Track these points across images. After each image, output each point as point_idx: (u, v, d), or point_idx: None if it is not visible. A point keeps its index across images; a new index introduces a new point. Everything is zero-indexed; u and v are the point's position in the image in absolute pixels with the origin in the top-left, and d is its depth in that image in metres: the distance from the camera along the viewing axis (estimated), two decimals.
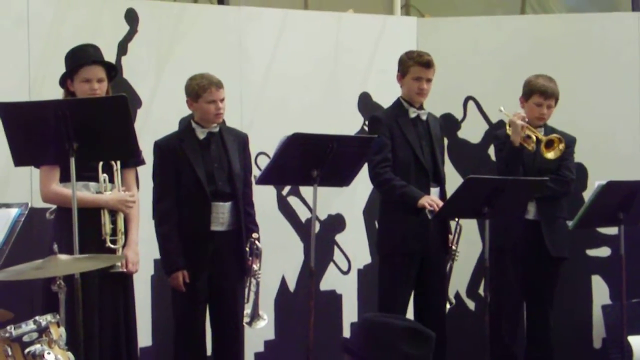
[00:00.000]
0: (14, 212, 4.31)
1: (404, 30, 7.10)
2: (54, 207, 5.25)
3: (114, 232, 5.17)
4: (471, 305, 7.13)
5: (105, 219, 5.14)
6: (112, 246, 5.12)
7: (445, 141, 6.40)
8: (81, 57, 5.15)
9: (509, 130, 6.09)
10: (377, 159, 5.81)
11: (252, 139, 5.86)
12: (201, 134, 5.61)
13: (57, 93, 5.23)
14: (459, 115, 7.15)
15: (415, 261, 5.85)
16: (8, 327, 3.68)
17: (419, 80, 5.89)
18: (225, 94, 5.59)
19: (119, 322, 5.17)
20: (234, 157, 5.65)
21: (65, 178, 5.04)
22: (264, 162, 6.28)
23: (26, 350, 3.65)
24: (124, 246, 5.18)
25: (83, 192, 5.03)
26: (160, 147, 5.60)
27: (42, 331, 3.71)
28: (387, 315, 2.84)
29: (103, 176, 5.16)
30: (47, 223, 5.30)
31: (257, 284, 5.60)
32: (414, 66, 5.89)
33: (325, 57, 6.83)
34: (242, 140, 5.75)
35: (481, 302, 6.49)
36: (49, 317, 3.77)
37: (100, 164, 5.13)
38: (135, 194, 5.30)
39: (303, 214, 6.68)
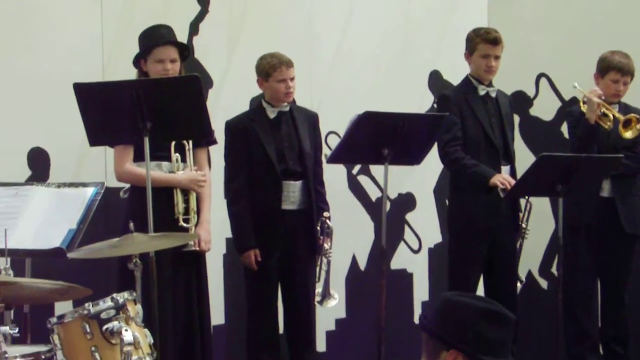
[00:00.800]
0: (90, 191, 4.36)
1: (474, 7, 7.04)
2: (127, 186, 5.31)
3: (186, 211, 5.21)
4: (544, 284, 7.07)
5: (178, 198, 5.18)
6: (184, 225, 5.16)
7: (517, 119, 6.34)
8: (154, 38, 5.18)
9: (583, 108, 6.01)
10: (447, 138, 5.78)
11: (322, 118, 5.86)
12: (272, 114, 5.63)
13: (130, 73, 5.27)
14: (531, 92, 7.08)
15: (486, 240, 5.82)
16: (86, 305, 3.72)
17: (487, 58, 5.84)
18: (295, 73, 5.60)
19: (192, 300, 5.21)
20: (304, 136, 5.66)
21: (138, 157, 5.09)
22: (333, 141, 6.28)
23: (104, 327, 3.68)
24: (196, 225, 5.22)
25: (156, 172, 5.07)
26: (231, 126, 5.63)
27: (120, 308, 3.74)
28: (467, 295, 2.80)
29: (175, 156, 5.20)
30: (121, 202, 5.36)
31: (328, 262, 5.61)
32: (481, 43, 5.84)
33: (395, 35, 6.80)
34: (312, 119, 5.75)
35: (554, 280, 6.42)
36: (125, 294, 3.81)
37: (173, 143, 5.17)
38: (207, 174, 5.33)
39: (373, 193, 6.67)
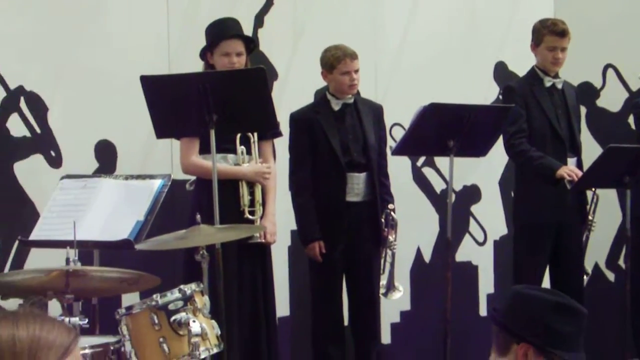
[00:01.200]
0: (157, 183, 4.39)
1: None
2: (193, 178, 5.34)
3: (251, 203, 5.23)
4: (611, 276, 6.99)
5: (244, 190, 5.20)
6: (250, 217, 5.18)
7: (584, 110, 6.26)
8: (221, 31, 5.20)
9: None
10: (512, 130, 5.73)
11: (387, 109, 5.85)
12: (336, 106, 5.62)
13: (196, 66, 5.30)
14: (597, 83, 6.99)
15: (552, 232, 5.77)
16: (154, 296, 3.75)
17: (554, 50, 5.78)
18: (359, 65, 5.59)
19: (257, 292, 5.23)
20: (369, 128, 5.65)
21: (204, 150, 5.12)
22: (398, 133, 6.25)
23: (172, 318, 3.71)
24: (261, 217, 5.24)
25: (222, 164, 5.10)
26: (296, 119, 5.64)
27: (187, 300, 3.77)
28: (537, 288, 2.77)
29: (241, 148, 5.22)
30: (186, 194, 5.39)
31: (393, 255, 5.60)
32: (548, 35, 5.78)
33: (461, 25, 6.75)
34: (377, 111, 5.74)
35: (621, 273, 6.35)
36: (193, 286, 3.83)
37: (238, 136, 5.20)
38: (272, 166, 5.35)
39: (438, 185, 6.64)
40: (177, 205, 5.56)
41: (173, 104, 4.73)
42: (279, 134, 5.44)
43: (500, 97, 6.50)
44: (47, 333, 2.07)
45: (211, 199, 4.66)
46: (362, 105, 5.68)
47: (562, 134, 5.80)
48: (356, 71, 5.57)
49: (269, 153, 5.41)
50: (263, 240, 5.23)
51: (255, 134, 5.25)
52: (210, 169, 4.76)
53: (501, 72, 6.84)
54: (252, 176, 5.21)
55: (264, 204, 5.27)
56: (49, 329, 2.08)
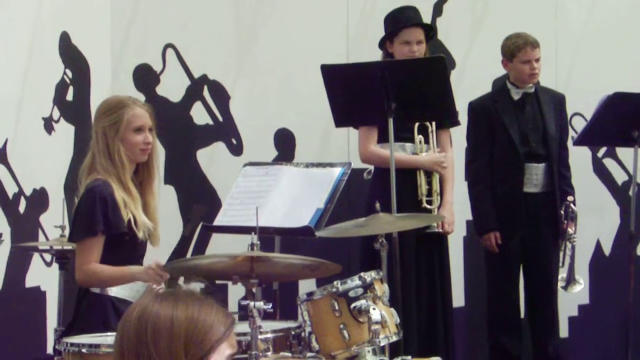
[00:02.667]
0: (337, 171, 4.41)
1: None
2: (371, 167, 5.36)
3: (429, 193, 5.21)
4: None
5: (421, 180, 5.19)
6: (427, 207, 5.16)
7: None
8: (402, 20, 5.20)
9: None
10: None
11: (568, 99, 5.72)
12: (516, 95, 5.55)
13: (374, 55, 5.31)
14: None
15: None
16: (335, 283, 3.77)
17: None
18: (540, 54, 5.49)
19: (434, 282, 5.22)
20: (549, 118, 5.55)
21: (382, 139, 5.13)
22: (578, 123, 6.11)
23: (352, 305, 3.72)
24: (439, 207, 5.21)
25: (400, 153, 5.10)
26: (475, 107, 5.59)
27: (367, 287, 3.77)
28: None
29: (419, 137, 5.20)
30: (362, 183, 5.42)
31: (573, 247, 5.48)
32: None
33: None
34: (558, 100, 5.63)
35: None
36: (373, 273, 3.83)
37: (416, 125, 5.19)
38: (449, 155, 5.32)
39: (619, 177, 6.45)
40: (352, 194, 5.60)
41: (352, 92, 4.76)
42: (456, 122, 5.40)
43: None
44: (205, 316, 2.09)
45: (389, 188, 4.67)
46: (543, 95, 5.58)
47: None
48: (537, 60, 5.48)
49: (447, 142, 5.38)
50: (441, 230, 5.20)
51: (434, 123, 5.23)
52: (386, 157, 4.77)
53: None
54: (430, 165, 5.19)
55: (441, 194, 5.24)
56: (207, 312, 2.10)
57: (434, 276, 5.21)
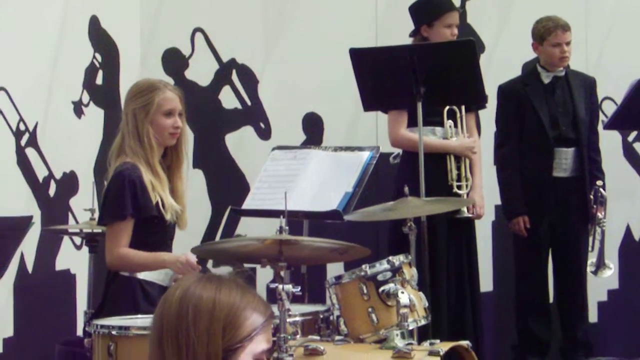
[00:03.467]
0: (366, 155, 4.40)
1: None
2: (397, 152, 5.35)
3: (459, 177, 5.19)
4: None
5: (451, 164, 5.17)
6: (458, 192, 5.14)
7: None
8: (445, 3, 5.18)
9: None
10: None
11: (598, 82, 5.68)
12: (546, 78, 5.52)
13: (402, 40, 5.28)
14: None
15: None
16: (363, 266, 3.76)
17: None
18: (571, 37, 5.45)
19: (462, 267, 5.21)
20: (580, 101, 5.52)
21: (412, 123, 5.11)
22: (609, 107, 6.07)
23: (380, 289, 3.71)
24: (468, 192, 5.19)
25: (430, 138, 5.09)
26: (504, 91, 5.56)
27: (396, 271, 3.76)
28: None
29: (449, 122, 5.18)
30: (388, 167, 5.40)
31: (602, 232, 5.45)
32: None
33: None
34: (589, 84, 5.60)
35: None
36: (401, 257, 3.82)
37: (446, 109, 5.17)
38: (476, 139, 5.30)
39: None
40: (380, 178, 5.59)
41: (381, 76, 4.75)
42: (483, 106, 5.38)
43: None
44: (246, 304, 2.09)
45: (418, 172, 4.66)
46: (574, 78, 5.55)
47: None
48: (567, 43, 5.45)
49: (474, 126, 5.37)
50: (471, 215, 5.18)
51: (462, 107, 5.21)
52: (416, 141, 4.75)
53: None
54: (460, 150, 5.17)
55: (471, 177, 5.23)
56: (248, 300, 2.10)
57: (462, 261, 5.20)
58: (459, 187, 5.16)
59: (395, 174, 5.29)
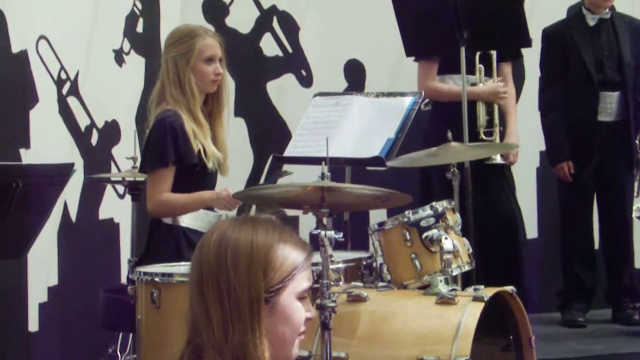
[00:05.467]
0: (408, 100, 4.35)
1: None
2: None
3: (489, 124, 5.12)
4: None
5: (480, 111, 5.09)
6: (485, 138, 5.07)
7: None
8: None
9: None
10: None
11: None
12: (591, 21, 5.43)
13: None
14: None
15: None
16: (406, 212, 3.74)
17: None
18: None
19: (505, 212, 5.17)
20: (625, 45, 5.44)
21: (442, 70, 5.06)
22: None
23: (424, 235, 3.69)
24: (501, 139, 5.12)
25: (455, 87, 5.02)
26: (549, 34, 5.49)
27: (439, 217, 3.73)
28: None
29: (479, 67, 5.11)
30: (421, 114, 5.33)
31: None
32: None
33: None
34: (635, 27, 5.51)
35: None
36: (444, 203, 3.79)
37: (477, 55, 5.07)
38: (510, 88, 5.23)
39: None
40: (416, 124, 5.52)
41: (423, 20, 4.72)
42: (517, 57, 5.32)
43: None
44: (284, 243, 2.07)
45: (447, 120, 4.62)
46: (620, 21, 5.45)
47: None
48: None
49: (509, 74, 5.32)
50: (505, 162, 5.12)
51: (494, 53, 5.11)
52: (445, 92, 4.80)
53: None
54: (487, 96, 5.10)
55: (506, 125, 5.16)
56: (286, 239, 2.08)
57: (504, 207, 5.16)
58: (488, 134, 5.08)
59: (426, 123, 5.21)
